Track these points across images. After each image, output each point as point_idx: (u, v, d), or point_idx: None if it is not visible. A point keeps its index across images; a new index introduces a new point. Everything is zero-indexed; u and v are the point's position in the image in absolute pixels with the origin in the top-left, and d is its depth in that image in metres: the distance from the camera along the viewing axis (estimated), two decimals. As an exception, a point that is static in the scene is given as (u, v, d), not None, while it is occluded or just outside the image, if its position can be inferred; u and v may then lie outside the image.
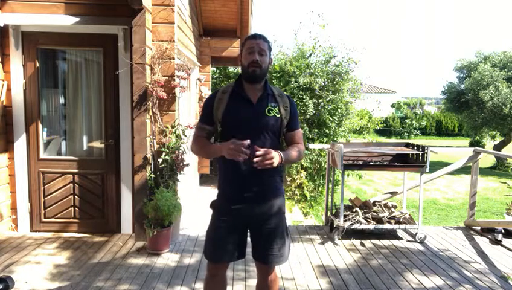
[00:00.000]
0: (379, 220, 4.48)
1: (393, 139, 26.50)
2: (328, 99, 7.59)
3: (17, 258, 3.69)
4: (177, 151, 4.17)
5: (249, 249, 2.25)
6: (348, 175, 8.38)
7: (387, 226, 4.41)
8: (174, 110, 4.29)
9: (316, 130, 7.76)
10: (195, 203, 5.83)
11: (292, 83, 7.55)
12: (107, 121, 4.32)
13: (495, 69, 16.11)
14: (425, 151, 4.32)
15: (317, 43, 8.06)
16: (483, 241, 4.48)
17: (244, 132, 2.05)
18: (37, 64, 4.25)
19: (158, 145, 4.22)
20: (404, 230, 4.70)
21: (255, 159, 1.90)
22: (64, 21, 4.05)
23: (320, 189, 7.84)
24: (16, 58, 4.21)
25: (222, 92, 2.16)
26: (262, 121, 2.10)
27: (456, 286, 3.34)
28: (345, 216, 4.45)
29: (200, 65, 7.13)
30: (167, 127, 4.23)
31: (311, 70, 7.69)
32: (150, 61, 4.14)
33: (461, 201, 9.66)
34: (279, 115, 2.14)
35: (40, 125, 4.33)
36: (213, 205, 2.23)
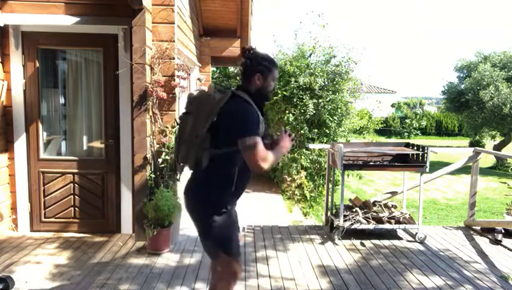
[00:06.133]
0: (379, 220, 4.48)
1: (393, 139, 26.48)
2: (328, 99, 7.58)
3: (17, 258, 3.69)
4: (177, 151, 4.17)
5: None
6: (348, 175, 8.37)
7: (387, 226, 4.41)
8: (174, 110, 4.29)
9: (316, 130, 7.76)
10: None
11: (292, 83, 7.54)
12: (107, 121, 4.32)
13: (495, 69, 16.09)
14: (425, 151, 4.32)
15: (317, 43, 8.05)
16: (483, 241, 4.48)
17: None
18: (37, 64, 4.25)
19: (158, 145, 4.22)
20: (404, 230, 4.70)
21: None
22: (64, 21, 4.05)
23: (320, 189, 7.84)
24: (16, 58, 4.21)
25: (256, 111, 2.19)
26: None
27: (456, 286, 3.34)
28: (345, 216, 4.45)
29: (200, 65, 7.13)
30: (167, 127, 4.22)
31: (311, 70, 7.68)
32: (150, 61, 4.14)
33: (461, 201, 9.65)
34: None
35: (40, 125, 4.33)
36: (227, 211, 2.24)
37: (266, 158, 2.06)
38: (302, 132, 7.63)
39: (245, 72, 2.23)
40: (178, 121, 2.33)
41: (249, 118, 2.10)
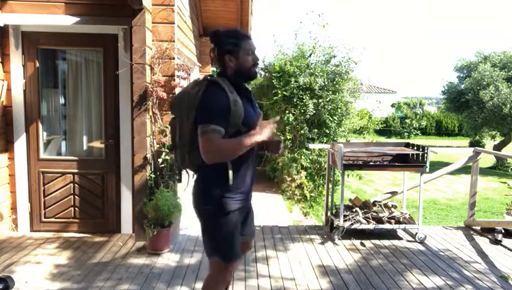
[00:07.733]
0: (379, 220, 4.48)
1: (393, 139, 26.47)
2: (328, 99, 7.59)
3: (17, 258, 3.69)
4: (177, 151, 4.17)
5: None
6: (348, 175, 8.38)
7: (387, 226, 4.41)
8: (174, 110, 4.29)
9: (316, 130, 7.76)
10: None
11: (292, 83, 7.54)
12: (107, 121, 4.32)
13: (495, 69, 16.09)
14: (425, 151, 4.32)
15: (317, 43, 8.05)
16: (483, 241, 4.48)
17: (251, 130, 2.05)
18: (37, 64, 4.25)
19: (158, 145, 4.22)
20: (404, 230, 4.70)
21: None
22: (64, 21, 4.05)
23: (320, 189, 7.84)
24: (16, 58, 4.21)
25: (231, 93, 2.01)
26: (259, 117, 2.14)
27: (456, 286, 3.34)
28: (345, 216, 4.45)
29: (200, 65, 7.13)
30: (167, 127, 4.22)
31: (311, 70, 7.69)
32: (150, 61, 4.14)
33: (461, 201, 9.65)
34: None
35: (40, 126, 4.33)
36: (230, 208, 2.12)
37: (217, 149, 1.90)
38: (302, 132, 7.63)
39: (215, 57, 2.10)
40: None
41: (210, 106, 1.95)
